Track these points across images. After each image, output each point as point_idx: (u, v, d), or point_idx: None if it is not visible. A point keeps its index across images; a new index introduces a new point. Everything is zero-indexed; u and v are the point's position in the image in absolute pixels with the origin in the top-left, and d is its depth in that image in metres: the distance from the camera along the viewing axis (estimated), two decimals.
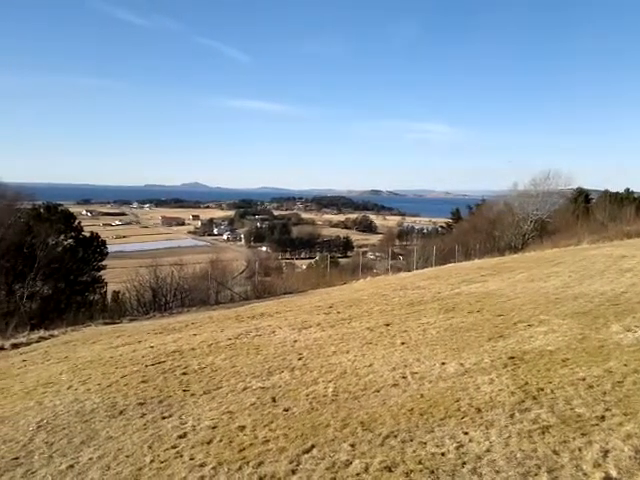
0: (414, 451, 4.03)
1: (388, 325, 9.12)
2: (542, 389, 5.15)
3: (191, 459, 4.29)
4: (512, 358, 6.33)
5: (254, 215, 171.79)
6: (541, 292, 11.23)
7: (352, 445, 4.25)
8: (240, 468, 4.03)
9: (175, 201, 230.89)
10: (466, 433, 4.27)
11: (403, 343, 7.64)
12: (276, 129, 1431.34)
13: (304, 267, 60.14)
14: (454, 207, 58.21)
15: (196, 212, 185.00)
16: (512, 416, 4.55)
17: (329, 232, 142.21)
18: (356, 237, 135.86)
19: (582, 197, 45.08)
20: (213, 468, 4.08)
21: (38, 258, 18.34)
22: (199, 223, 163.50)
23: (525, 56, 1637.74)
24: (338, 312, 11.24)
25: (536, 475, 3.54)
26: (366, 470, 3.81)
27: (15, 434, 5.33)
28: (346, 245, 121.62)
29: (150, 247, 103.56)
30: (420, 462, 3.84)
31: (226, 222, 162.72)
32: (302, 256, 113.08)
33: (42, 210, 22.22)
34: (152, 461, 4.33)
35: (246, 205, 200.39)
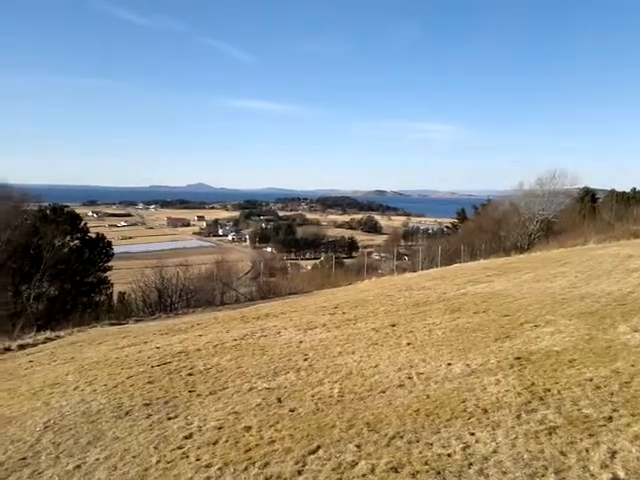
0: (420, 452, 4.02)
1: (394, 326, 9.11)
2: (549, 390, 5.12)
3: (197, 460, 4.30)
4: (518, 359, 6.30)
5: (259, 216, 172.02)
6: (547, 292, 11.17)
7: (358, 446, 4.24)
8: (246, 469, 4.04)
9: (180, 202, 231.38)
10: (472, 434, 4.26)
11: (409, 344, 7.63)
12: (278, 129, 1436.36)
13: (309, 268, 60.05)
14: (459, 207, 57.94)
15: (201, 213, 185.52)
16: (519, 417, 4.53)
17: (334, 232, 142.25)
18: (361, 237, 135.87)
19: (588, 197, 44.81)
20: (219, 469, 4.09)
21: (44, 259, 18.48)
22: (204, 224, 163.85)
23: (525, 56, 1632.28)
24: (343, 313, 11.24)
25: (543, 476, 3.52)
26: (372, 471, 3.80)
27: (22, 434, 5.37)
28: (351, 245, 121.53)
29: (156, 248, 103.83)
30: (426, 463, 3.83)
31: (231, 223, 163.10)
32: (307, 257, 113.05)
33: (48, 211, 22.35)
34: (158, 462, 4.34)
35: (251, 206, 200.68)
